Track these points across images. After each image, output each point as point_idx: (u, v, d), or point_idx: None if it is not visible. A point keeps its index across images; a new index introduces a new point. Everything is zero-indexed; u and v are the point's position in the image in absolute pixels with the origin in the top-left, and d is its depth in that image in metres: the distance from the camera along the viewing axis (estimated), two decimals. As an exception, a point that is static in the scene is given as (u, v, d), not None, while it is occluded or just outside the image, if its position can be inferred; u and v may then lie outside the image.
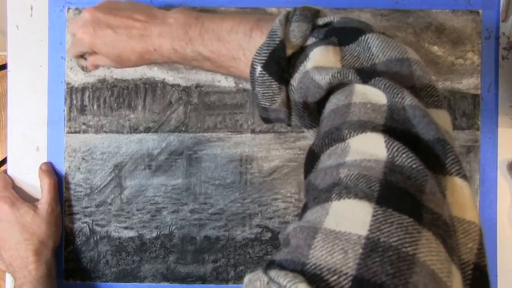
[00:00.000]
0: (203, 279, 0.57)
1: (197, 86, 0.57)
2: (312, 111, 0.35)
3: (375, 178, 0.24)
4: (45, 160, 0.57)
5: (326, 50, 0.32)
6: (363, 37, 0.31)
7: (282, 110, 0.36)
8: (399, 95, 0.27)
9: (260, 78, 0.34)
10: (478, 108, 0.57)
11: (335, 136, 0.28)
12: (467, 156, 0.57)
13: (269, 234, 0.57)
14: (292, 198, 0.57)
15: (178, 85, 0.57)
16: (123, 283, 0.57)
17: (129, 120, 0.57)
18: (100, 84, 0.57)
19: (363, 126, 0.27)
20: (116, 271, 0.57)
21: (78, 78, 0.57)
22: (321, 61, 0.31)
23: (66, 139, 0.57)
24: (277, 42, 0.33)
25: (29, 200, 0.56)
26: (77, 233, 0.57)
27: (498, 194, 0.57)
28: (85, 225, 0.57)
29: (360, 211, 0.23)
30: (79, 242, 0.57)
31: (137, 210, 0.57)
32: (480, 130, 0.57)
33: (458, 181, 0.25)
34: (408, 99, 0.27)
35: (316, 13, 0.35)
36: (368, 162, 0.25)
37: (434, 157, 0.26)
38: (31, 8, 0.57)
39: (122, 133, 0.57)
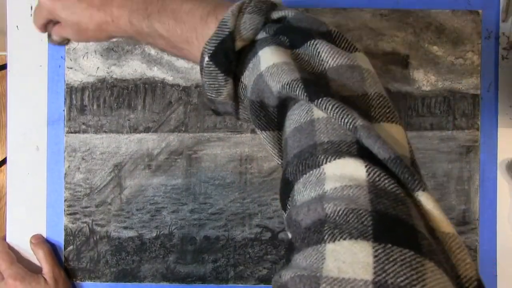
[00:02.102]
0: (203, 279, 0.57)
1: (197, 86, 0.57)
2: (270, 114, 0.34)
3: (364, 210, 0.23)
4: (45, 160, 0.57)
5: (277, 51, 0.31)
6: (312, 42, 0.31)
7: (228, 103, 0.36)
8: (349, 116, 0.26)
9: (207, 68, 0.34)
10: (478, 108, 0.57)
11: (309, 162, 0.27)
12: (467, 156, 0.57)
13: (269, 234, 0.57)
14: (292, 198, 0.57)
15: (178, 85, 0.57)
16: (122, 283, 0.57)
17: (128, 120, 0.57)
18: (100, 84, 0.57)
19: (338, 151, 0.26)
20: (116, 271, 0.57)
21: (78, 78, 0.57)
22: (272, 59, 0.31)
23: (66, 139, 0.57)
24: (226, 33, 0.33)
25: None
26: (77, 233, 0.57)
27: (498, 194, 0.57)
28: (85, 225, 0.57)
29: (359, 252, 0.22)
30: (79, 242, 0.57)
31: (137, 210, 0.57)
32: (480, 130, 0.57)
33: (422, 196, 0.25)
34: (359, 120, 0.26)
35: (272, 6, 0.34)
36: (350, 188, 0.25)
37: (396, 177, 0.25)
38: (31, 8, 0.57)
39: (122, 133, 0.57)
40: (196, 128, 0.57)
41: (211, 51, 0.33)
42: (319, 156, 0.27)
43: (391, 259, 0.21)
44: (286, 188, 0.29)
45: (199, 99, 0.57)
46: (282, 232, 0.57)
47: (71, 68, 0.57)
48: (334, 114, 0.27)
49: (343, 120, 0.26)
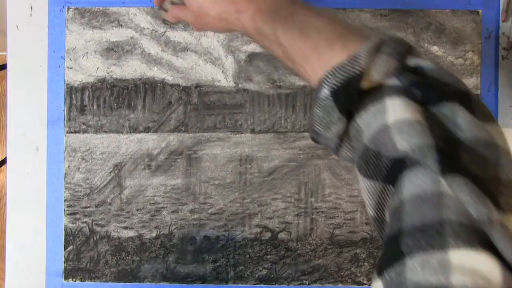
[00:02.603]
0: (203, 279, 0.57)
1: (197, 86, 0.57)
2: (381, 164, 0.30)
3: None
4: (45, 160, 0.57)
5: (409, 105, 0.28)
6: (451, 103, 0.28)
7: (333, 140, 0.33)
8: (484, 205, 0.24)
9: (323, 102, 0.31)
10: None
11: (434, 242, 0.24)
12: (467, 156, 0.57)
13: (268, 234, 0.57)
14: (292, 198, 0.57)
15: (178, 85, 0.57)
16: (122, 283, 0.57)
17: (128, 120, 0.57)
18: (99, 84, 0.57)
19: (470, 239, 0.23)
20: (116, 271, 0.57)
21: (78, 78, 0.57)
22: (402, 114, 0.28)
23: (66, 139, 0.57)
24: (357, 72, 0.30)
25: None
26: (76, 233, 0.57)
27: (498, 194, 0.57)
28: (84, 225, 0.57)
29: None
30: (79, 242, 0.57)
31: (137, 210, 0.57)
32: (480, 130, 0.57)
33: None
34: (495, 213, 0.24)
35: (408, 50, 0.31)
36: None
37: None
38: (31, 8, 0.57)
39: (122, 133, 0.57)
40: (196, 128, 0.57)
41: (334, 87, 0.30)
42: (448, 239, 0.24)
43: None
44: (393, 257, 0.26)
45: (199, 99, 0.57)
46: (282, 232, 0.57)
47: (71, 68, 0.57)
48: (466, 198, 0.24)
49: (476, 206, 0.24)
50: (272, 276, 0.56)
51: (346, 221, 0.57)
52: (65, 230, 0.57)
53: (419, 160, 0.26)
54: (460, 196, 0.24)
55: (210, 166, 0.57)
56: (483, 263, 0.23)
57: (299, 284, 0.56)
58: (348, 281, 0.56)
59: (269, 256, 0.57)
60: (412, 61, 0.31)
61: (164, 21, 0.51)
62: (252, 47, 0.57)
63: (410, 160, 0.28)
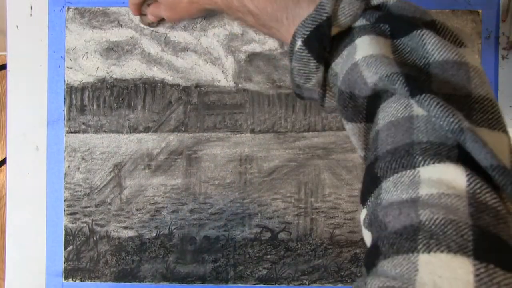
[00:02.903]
0: (202, 279, 0.57)
1: (197, 86, 0.57)
2: (359, 105, 0.31)
3: (464, 223, 0.21)
4: (45, 160, 0.57)
5: (376, 41, 0.29)
6: (418, 31, 0.28)
7: (316, 90, 0.34)
8: (454, 116, 0.24)
9: (298, 53, 0.32)
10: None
11: (404, 162, 0.25)
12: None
13: (268, 234, 0.57)
14: (292, 198, 0.57)
15: (178, 85, 0.57)
16: (122, 283, 0.57)
17: (128, 120, 0.57)
18: (99, 84, 0.57)
19: (437, 154, 0.24)
20: (116, 271, 0.57)
21: (78, 78, 0.57)
22: (370, 50, 0.29)
23: (66, 139, 0.57)
24: (324, 18, 0.31)
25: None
26: (76, 233, 0.57)
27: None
28: (84, 225, 0.57)
29: (458, 268, 0.20)
30: (79, 242, 0.57)
31: (137, 210, 0.57)
32: (480, 130, 0.57)
33: None
34: (465, 122, 0.24)
35: None
36: (448, 197, 0.23)
37: (497, 190, 0.23)
38: (31, 8, 0.57)
39: (122, 133, 0.57)
40: (196, 128, 0.57)
41: (305, 36, 0.31)
42: (416, 157, 0.25)
43: (494, 281, 0.20)
44: (372, 183, 0.27)
45: (199, 99, 0.57)
46: (282, 232, 0.57)
47: (71, 68, 0.57)
48: (437, 113, 0.25)
49: (447, 119, 0.24)
50: (272, 276, 0.56)
51: (346, 221, 0.57)
52: (65, 230, 0.57)
53: (388, 88, 0.27)
54: (431, 112, 0.25)
55: (210, 166, 0.57)
56: (449, 173, 0.24)
57: (299, 284, 0.56)
58: (348, 281, 0.56)
59: (269, 256, 0.57)
60: (376, 0, 0.32)
61: (149, 25, 0.53)
62: (252, 47, 0.57)
63: (384, 94, 0.29)
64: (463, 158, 0.24)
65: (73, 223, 0.57)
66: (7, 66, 0.58)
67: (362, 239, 0.56)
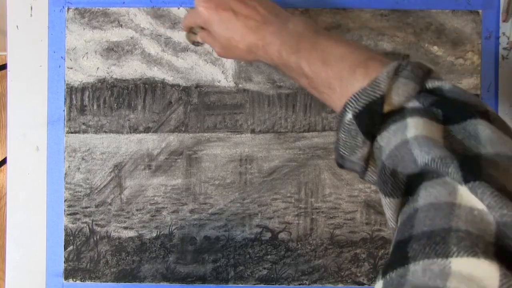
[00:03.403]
0: (203, 279, 0.57)
1: (197, 86, 0.57)
2: (399, 181, 0.31)
3: None
4: (45, 160, 0.57)
5: (429, 124, 0.29)
6: (472, 121, 0.28)
7: (359, 164, 0.34)
8: (508, 208, 0.24)
9: (347, 126, 0.32)
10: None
11: (438, 249, 0.24)
12: (467, 156, 0.57)
13: (269, 234, 0.57)
14: (292, 198, 0.57)
15: (178, 85, 0.57)
16: (122, 283, 0.57)
17: (129, 120, 0.57)
18: (100, 84, 0.57)
19: (474, 246, 0.24)
20: (116, 271, 0.57)
21: (78, 78, 0.57)
22: (423, 131, 0.28)
23: (66, 139, 0.57)
24: (378, 96, 0.31)
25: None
26: (77, 233, 0.57)
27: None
28: (85, 225, 0.57)
29: None
30: (79, 242, 0.57)
31: (137, 210, 0.57)
32: (480, 130, 0.57)
33: None
34: None
35: (428, 73, 0.32)
36: None
37: None
38: (31, 8, 0.57)
39: (122, 133, 0.57)
40: (196, 128, 0.57)
41: (356, 110, 0.31)
42: (451, 246, 0.24)
43: None
44: (399, 261, 0.26)
45: (199, 99, 0.57)
46: (282, 232, 0.57)
47: (71, 68, 0.57)
48: (490, 202, 0.24)
49: (500, 211, 0.24)
50: (272, 276, 0.57)
51: (346, 221, 0.57)
52: (65, 230, 0.57)
53: (440, 170, 0.27)
54: (484, 201, 0.24)
55: (210, 166, 0.57)
56: (482, 270, 0.23)
57: (299, 284, 0.56)
58: (348, 281, 0.56)
59: (269, 256, 0.57)
60: (432, 83, 0.31)
61: (194, 43, 0.53)
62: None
63: (429, 173, 0.28)
64: (499, 256, 0.23)
65: (73, 223, 0.57)
66: (7, 66, 0.58)
67: (362, 239, 0.56)
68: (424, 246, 0.25)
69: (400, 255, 0.27)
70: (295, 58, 0.38)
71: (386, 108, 0.31)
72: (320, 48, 0.37)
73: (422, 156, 0.28)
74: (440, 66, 0.57)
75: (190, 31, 0.50)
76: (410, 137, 0.29)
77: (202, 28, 0.47)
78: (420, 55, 0.56)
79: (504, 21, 0.57)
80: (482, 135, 0.28)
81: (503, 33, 0.57)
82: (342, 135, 0.33)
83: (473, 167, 0.26)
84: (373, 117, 0.31)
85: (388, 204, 0.32)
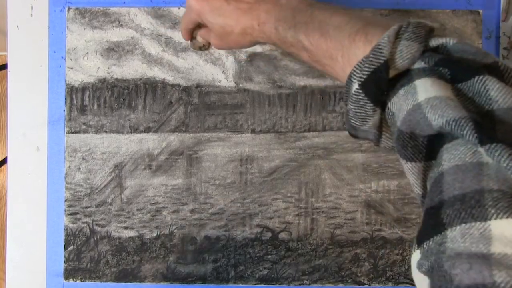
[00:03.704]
0: (203, 279, 0.57)
1: (197, 86, 0.57)
2: (419, 144, 0.30)
3: None
4: (45, 160, 0.57)
5: (438, 83, 0.29)
6: (480, 77, 0.28)
7: (372, 132, 0.34)
8: None
9: (355, 96, 0.32)
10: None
11: (475, 212, 0.24)
12: (468, 156, 0.57)
13: (269, 234, 0.57)
14: (292, 198, 0.57)
15: (178, 85, 0.57)
16: (123, 283, 0.57)
17: (129, 120, 0.57)
18: (100, 84, 0.57)
19: (511, 206, 0.23)
20: (116, 271, 0.57)
21: (79, 78, 0.57)
22: (433, 92, 0.28)
23: (66, 139, 0.57)
24: (381, 61, 0.30)
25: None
26: (77, 233, 0.57)
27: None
28: (85, 225, 0.57)
29: None
30: (79, 242, 0.57)
31: (137, 210, 0.57)
32: (480, 130, 0.57)
33: None
34: None
35: (430, 32, 0.32)
36: None
37: None
38: (31, 8, 0.57)
39: (122, 133, 0.57)
40: (197, 128, 0.57)
41: (362, 79, 0.31)
42: (488, 209, 0.23)
43: None
44: (434, 228, 0.26)
45: (200, 99, 0.57)
46: (283, 232, 0.57)
47: (71, 68, 0.57)
48: (509, 164, 0.24)
49: None
50: (272, 276, 0.57)
51: (347, 221, 0.57)
52: (66, 230, 0.57)
53: (456, 133, 0.26)
54: (502, 163, 0.24)
55: (210, 166, 0.57)
56: None
57: (300, 284, 0.56)
58: (349, 281, 0.56)
59: (269, 256, 0.57)
60: (435, 41, 0.31)
61: (201, 48, 0.53)
62: (253, 47, 0.57)
63: (448, 134, 0.27)
64: None
65: (73, 223, 0.57)
66: (8, 66, 0.58)
67: (362, 239, 0.56)
68: (459, 210, 0.24)
69: (434, 222, 0.26)
70: (293, 33, 0.38)
71: (392, 72, 0.31)
72: (316, 19, 0.37)
73: (436, 120, 0.27)
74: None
75: (192, 38, 0.50)
76: (422, 100, 0.28)
77: (199, 26, 0.47)
78: (420, 55, 0.57)
79: (504, 21, 0.57)
80: (492, 91, 0.27)
81: (503, 33, 0.57)
82: (351, 106, 0.32)
83: (487, 128, 0.26)
84: (380, 84, 0.31)
85: (410, 170, 0.31)
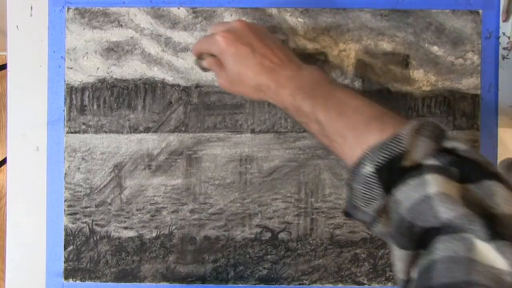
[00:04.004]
0: (203, 279, 0.57)
1: (197, 86, 0.57)
2: (415, 234, 0.32)
3: None
4: (45, 160, 0.57)
5: (449, 183, 0.30)
6: (488, 182, 0.30)
7: (370, 215, 0.35)
8: None
9: (367, 178, 0.33)
10: (478, 108, 0.57)
11: None
12: (467, 156, 0.57)
13: (269, 234, 0.57)
14: (292, 198, 0.57)
15: (178, 85, 0.57)
16: (122, 283, 0.57)
17: (129, 120, 0.57)
18: (100, 84, 0.57)
19: None
20: (116, 271, 0.57)
21: (78, 78, 0.57)
22: (443, 188, 0.30)
23: (66, 139, 0.57)
24: (400, 151, 0.32)
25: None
26: (77, 233, 0.57)
27: (498, 194, 0.57)
28: (85, 225, 0.57)
29: None
30: (79, 242, 0.57)
31: (137, 210, 0.57)
32: (480, 130, 0.57)
33: None
34: None
35: (442, 133, 0.34)
36: None
37: None
38: (31, 8, 0.57)
39: (122, 133, 0.57)
40: (196, 128, 0.57)
41: (378, 164, 0.32)
42: None
43: None
44: None
45: (199, 99, 0.57)
46: (282, 232, 0.57)
47: (71, 68, 0.57)
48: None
49: None
50: (272, 276, 0.57)
51: (346, 221, 0.57)
52: (65, 230, 0.57)
53: (465, 227, 0.28)
54: (510, 260, 0.26)
55: (210, 166, 0.57)
56: None
57: (299, 284, 0.56)
58: (348, 281, 0.56)
59: (269, 256, 0.57)
60: (448, 144, 0.33)
61: (204, 69, 0.52)
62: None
63: (446, 228, 0.29)
64: None
65: (73, 223, 0.57)
66: (7, 66, 0.58)
67: (362, 239, 0.56)
68: None
69: None
70: (310, 104, 0.39)
71: (406, 163, 0.32)
72: (336, 97, 0.38)
73: (445, 212, 0.29)
74: (440, 66, 0.57)
75: (200, 56, 0.49)
76: (432, 193, 0.30)
77: (212, 55, 0.46)
78: (420, 55, 0.56)
79: (504, 21, 0.57)
80: (498, 196, 0.29)
81: (503, 33, 0.57)
82: (359, 187, 0.34)
83: (496, 226, 0.28)
84: (393, 171, 0.32)
85: (401, 257, 0.33)
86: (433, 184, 0.30)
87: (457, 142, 0.33)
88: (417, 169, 0.32)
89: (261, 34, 0.44)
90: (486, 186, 0.30)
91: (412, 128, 0.33)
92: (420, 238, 0.31)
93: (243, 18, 0.57)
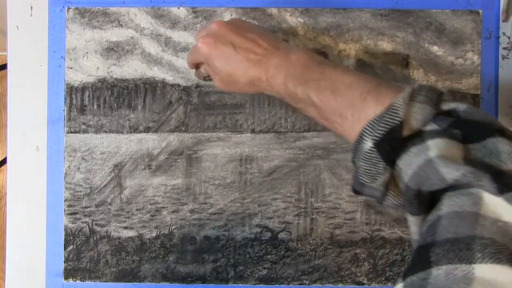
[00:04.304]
0: (203, 279, 0.57)
1: (197, 86, 0.57)
2: (423, 199, 0.32)
3: None
4: (45, 160, 0.57)
5: (451, 144, 0.30)
6: (492, 139, 0.30)
7: (379, 189, 0.34)
8: None
9: (368, 154, 0.33)
10: (478, 108, 0.57)
11: (462, 255, 0.25)
12: (467, 156, 0.57)
13: (269, 234, 0.57)
14: (292, 198, 0.57)
15: (178, 85, 0.57)
16: (122, 283, 0.57)
17: (129, 120, 0.57)
18: (100, 84, 0.57)
19: (498, 253, 0.25)
20: (116, 271, 0.57)
21: (78, 78, 0.57)
22: (445, 150, 0.29)
23: (66, 139, 0.57)
24: (397, 122, 0.31)
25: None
26: (77, 233, 0.57)
27: (498, 194, 0.57)
28: (85, 225, 0.57)
29: None
30: (79, 242, 0.57)
31: (137, 210, 0.57)
32: (480, 130, 0.57)
33: None
34: None
35: (440, 96, 0.33)
36: None
37: None
38: (31, 8, 0.57)
39: (122, 133, 0.57)
40: (196, 128, 0.57)
41: (377, 138, 0.32)
42: (475, 253, 0.25)
43: None
44: (420, 265, 0.27)
45: (199, 99, 0.57)
46: (282, 232, 0.57)
47: (71, 68, 0.57)
48: None
49: None
50: (272, 276, 0.57)
51: (346, 221, 0.57)
52: (65, 230, 0.57)
53: (473, 183, 0.28)
54: None
55: (210, 166, 0.57)
56: (506, 276, 0.23)
57: (299, 284, 0.56)
58: (348, 281, 0.56)
59: (269, 256, 0.57)
60: (446, 106, 0.32)
61: (205, 79, 0.52)
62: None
63: (453, 186, 0.29)
64: None
65: (73, 223, 0.57)
66: (7, 66, 0.58)
67: (362, 239, 0.56)
68: (448, 251, 0.26)
69: (422, 259, 0.27)
70: (303, 89, 0.38)
71: (405, 133, 0.32)
72: (328, 77, 0.38)
73: (450, 173, 0.28)
74: (440, 66, 0.57)
75: (197, 68, 0.50)
76: (434, 156, 0.29)
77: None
78: (420, 55, 0.57)
79: (504, 21, 0.57)
80: (503, 153, 0.29)
81: (503, 33, 0.57)
82: (363, 164, 0.33)
83: (505, 180, 0.28)
84: (394, 143, 0.32)
85: (414, 222, 0.32)
86: (434, 147, 0.30)
87: (456, 103, 0.32)
88: (419, 137, 0.32)
89: (240, 28, 0.43)
90: (490, 144, 0.29)
91: (405, 96, 0.32)
92: (429, 202, 0.31)
93: (243, 18, 0.57)
